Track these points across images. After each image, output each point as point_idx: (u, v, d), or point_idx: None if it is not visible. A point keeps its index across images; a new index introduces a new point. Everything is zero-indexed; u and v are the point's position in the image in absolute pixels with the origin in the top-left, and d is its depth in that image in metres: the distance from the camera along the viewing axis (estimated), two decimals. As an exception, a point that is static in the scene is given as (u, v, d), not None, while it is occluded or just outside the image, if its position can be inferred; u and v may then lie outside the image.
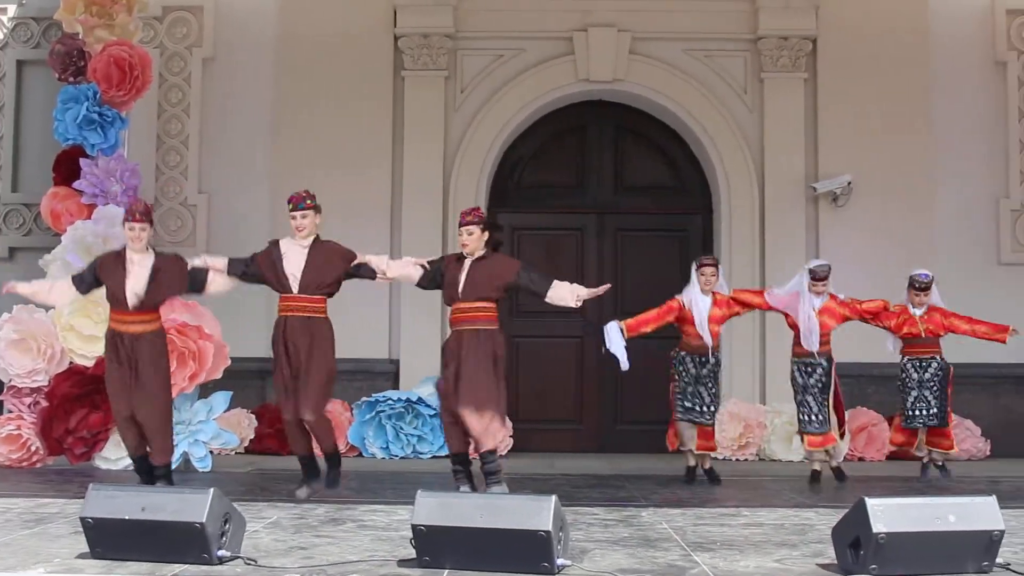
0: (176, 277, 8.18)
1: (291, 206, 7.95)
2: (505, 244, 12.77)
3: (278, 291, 8.01)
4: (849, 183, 12.35)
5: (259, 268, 8.06)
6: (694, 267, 9.54)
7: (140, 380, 8.08)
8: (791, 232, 12.46)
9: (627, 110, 13.11)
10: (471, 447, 8.08)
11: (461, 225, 8.02)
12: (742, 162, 12.61)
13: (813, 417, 9.38)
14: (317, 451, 8.20)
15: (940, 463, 9.84)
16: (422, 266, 8.16)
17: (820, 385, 9.39)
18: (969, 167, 12.61)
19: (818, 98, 12.66)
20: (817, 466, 9.51)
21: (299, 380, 7.83)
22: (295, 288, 7.90)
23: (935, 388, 9.62)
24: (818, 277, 9.39)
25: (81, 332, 10.14)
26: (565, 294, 8.04)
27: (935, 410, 9.63)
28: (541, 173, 13.19)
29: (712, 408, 9.47)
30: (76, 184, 10.63)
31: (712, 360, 9.43)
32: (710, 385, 9.42)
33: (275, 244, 8.11)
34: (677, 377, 9.49)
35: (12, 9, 12.76)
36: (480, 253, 8.03)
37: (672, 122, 12.95)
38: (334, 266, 7.98)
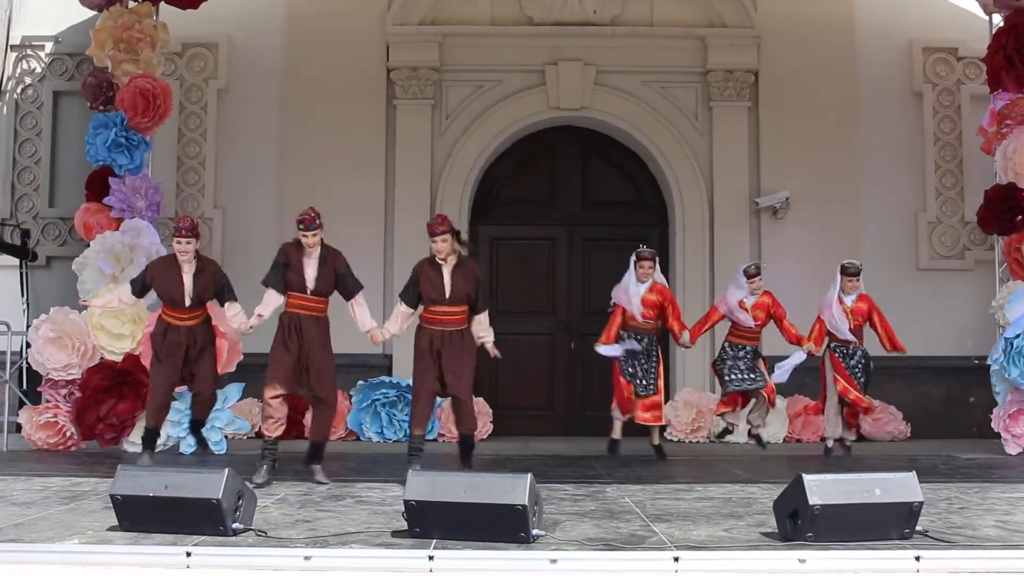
0: (211, 278, 8.49)
1: (302, 227, 7.74)
2: (484, 253, 12.86)
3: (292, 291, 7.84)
4: (787, 198, 12.39)
5: (284, 271, 7.89)
6: (633, 259, 9.70)
7: (201, 358, 8.58)
8: (737, 241, 12.48)
9: (593, 134, 13.11)
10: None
11: (435, 235, 7.93)
12: (694, 180, 12.63)
13: (743, 376, 9.59)
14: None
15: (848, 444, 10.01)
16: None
17: (747, 357, 9.69)
18: (891, 184, 12.66)
19: (760, 124, 12.70)
20: (729, 427, 10.01)
21: (310, 369, 7.78)
22: (309, 291, 7.81)
23: (858, 374, 9.65)
24: (750, 275, 9.59)
25: (110, 331, 10.12)
26: (481, 330, 8.13)
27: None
28: (517, 190, 13.18)
29: (646, 381, 9.57)
30: (106, 200, 10.58)
31: (646, 340, 9.60)
32: (642, 360, 9.58)
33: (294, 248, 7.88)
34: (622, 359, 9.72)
35: (49, 46, 12.66)
36: (454, 260, 8.00)
37: (632, 145, 12.96)
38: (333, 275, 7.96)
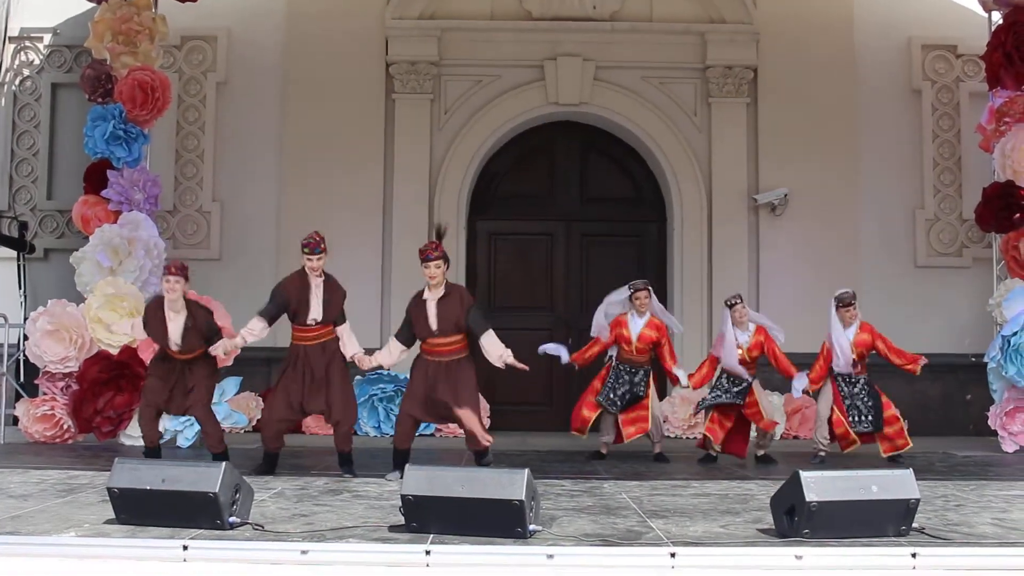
0: (198, 331, 8.20)
1: (307, 250, 7.79)
2: (482, 248, 12.87)
3: (294, 323, 7.97)
4: (786, 195, 12.39)
5: (283, 308, 7.98)
6: (628, 293, 9.46)
7: (194, 391, 8.22)
8: (735, 237, 12.49)
9: (591, 130, 13.11)
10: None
11: (429, 260, 7.77)
12: (692, 176, 12.63)
13: (721, 394, 9.34)
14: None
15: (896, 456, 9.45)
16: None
17: (738, 389, 9.36)
18: (889, 181, 12.67)
19: (758, 120, 12.70)
20: (712, 452, 9.44)
21: (321, 390, 7.88)
22: (314, 322, 7.92)
23: (864, 401, 9.32)
24: (730, 305, 9.33)
25: (108, 324, 10.10)
26: (494, 350, 7.91)
27: (871, 417, 9.27)
28: (515, 185, 13.17)
29: (630, 399, 9.39)
30: (104, 192, 10.58)
31: (641, 372, 9.44)
32: (636, 390, 9.40)
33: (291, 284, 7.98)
34: (611, 378, 9.48)
35: (47, 38, 12.66)
36: (442, 290, 7.85)
37: (631, 141, 12.96)
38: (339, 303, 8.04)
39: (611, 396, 9.39)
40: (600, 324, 9.59)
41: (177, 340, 8.12)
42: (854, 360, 9.28)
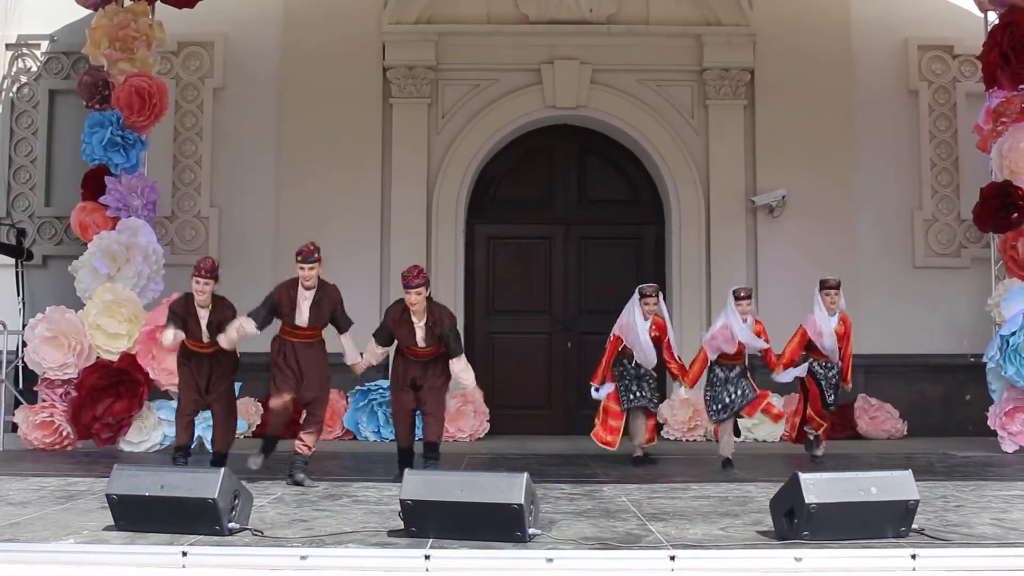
0: (223, 316, 8.33)
1: (300, 258, 7.71)
2: (481, 252, 12.87)
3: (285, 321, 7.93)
4: (783, 196, 12.39)
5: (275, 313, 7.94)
6: (637, 297, 9.34)
7: (219, 383, 8.57)
8: (733, 239, 12.48)
9: (589, 133, 13.11)
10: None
11: (410, 288, 7.79)
12: (690, 179, 12.63)
13: (741, 392, 9.20)
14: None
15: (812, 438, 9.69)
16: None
17: (735, 376, 9.25)
18: (887, 182, 12.67)
19: (756, 122, 12.70)
20: (728, 453, 9.13)
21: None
22: (302, 323, 7.83)
23: (834, 381, 9.40)
24: (740, 297, 9.15)
25: (107, 330, 10.12)
26: (460, 374, 8.10)
27: (833, 397, 9.43)
28: (513, 189, 13.17)
29: (653, 399, 9.42)
30: (102, 199, 10.58)
31: (644, 367, 9.40)
32: (648, 380, 9.41)
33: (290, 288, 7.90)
34: (618, 376, 9.42)
35: (45, 45, 12.66)
36: (424, 317, 7.92)
37: (629, 143, 12.96)
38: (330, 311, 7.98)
39: (632, 396, 9.32)
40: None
41: (207, 333, 8.36)
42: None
